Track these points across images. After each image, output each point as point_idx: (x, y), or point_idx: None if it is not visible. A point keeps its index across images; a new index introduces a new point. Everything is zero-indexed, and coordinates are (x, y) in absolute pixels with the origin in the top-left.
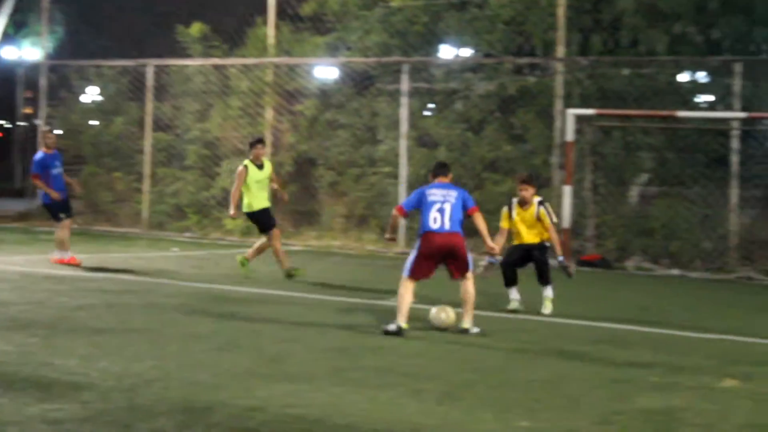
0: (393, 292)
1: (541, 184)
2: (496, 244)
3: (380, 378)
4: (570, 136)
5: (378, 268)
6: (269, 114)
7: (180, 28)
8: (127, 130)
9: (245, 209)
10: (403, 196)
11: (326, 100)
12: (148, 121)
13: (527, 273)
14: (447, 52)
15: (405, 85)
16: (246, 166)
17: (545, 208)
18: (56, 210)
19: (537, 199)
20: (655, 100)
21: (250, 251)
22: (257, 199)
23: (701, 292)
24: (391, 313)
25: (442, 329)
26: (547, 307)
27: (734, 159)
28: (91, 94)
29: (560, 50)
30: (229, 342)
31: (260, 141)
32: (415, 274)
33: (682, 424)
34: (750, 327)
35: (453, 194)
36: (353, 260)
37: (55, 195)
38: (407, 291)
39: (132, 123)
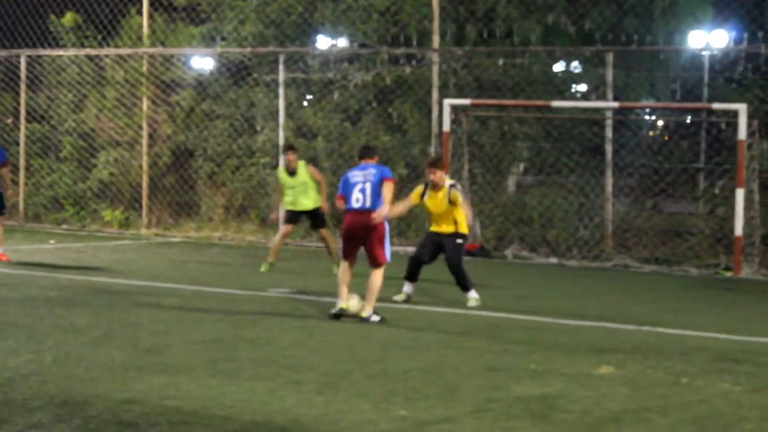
0: (271, 283)
1: (419, 174)
2: (396, 209)
3: (258, 369)
4: (446, 126)
5: (257, 258)
6: (146, 105)
7: (52, 18)
8: (1, 122)
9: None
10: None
11: (203, 91)
12: (23, 112)
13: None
14: (323, 42)
15: (281, 75)
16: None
17: (457, 190)
18: None
19: (449, 182)
20: (530, 90)
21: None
22: (296, 202)
23: (578, 280)
24: (270, 304)
25: (348, 316)
26: (471, 302)
27: (608, 148)
28: None
29: (435, 40)
30: (106, 335)
31: (290, 148)
32: (344, 254)
33: (558, 411)
34: (625, 314)
35: (372, 172)
36: (233, 251)
37: None
38: (342, 271)
39: (6, 114)
